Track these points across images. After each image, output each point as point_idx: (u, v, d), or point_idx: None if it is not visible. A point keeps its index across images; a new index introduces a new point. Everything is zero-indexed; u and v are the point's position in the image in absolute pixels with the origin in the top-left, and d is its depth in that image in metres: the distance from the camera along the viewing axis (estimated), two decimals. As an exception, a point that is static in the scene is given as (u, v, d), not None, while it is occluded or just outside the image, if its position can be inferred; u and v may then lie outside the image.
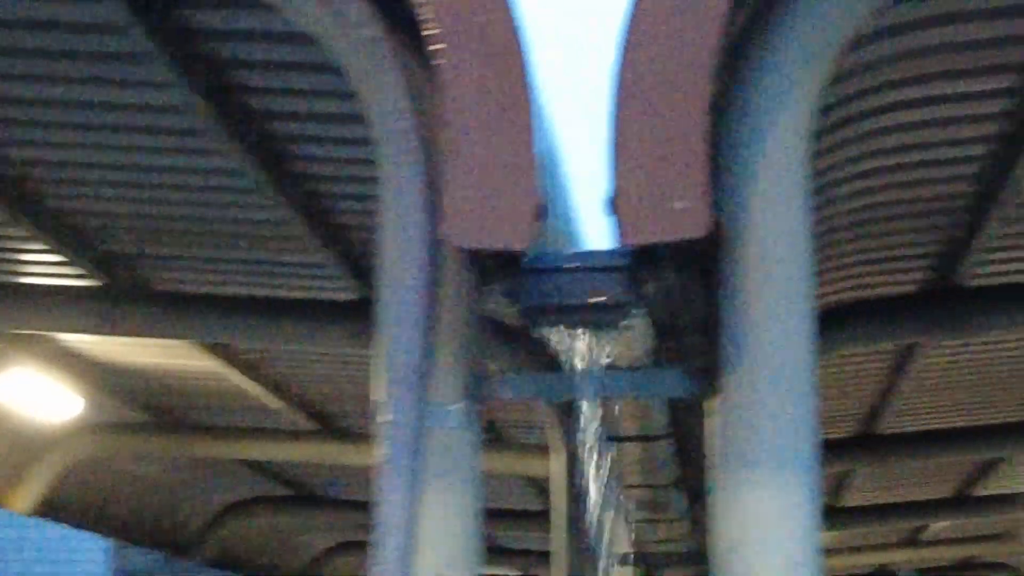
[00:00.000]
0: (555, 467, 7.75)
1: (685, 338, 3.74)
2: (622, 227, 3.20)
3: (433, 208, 3.32)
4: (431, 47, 3.23)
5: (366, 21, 3.40)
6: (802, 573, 3.35)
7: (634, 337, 3.77)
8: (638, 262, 3.37)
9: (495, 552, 16.34)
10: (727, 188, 3.36)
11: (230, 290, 7.71)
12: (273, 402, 9.92)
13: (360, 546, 16.73)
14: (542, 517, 13.04)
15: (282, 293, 7.70)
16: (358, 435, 10.78)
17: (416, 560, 3.30)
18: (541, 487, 12.54)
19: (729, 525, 3.39)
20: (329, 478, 13.28)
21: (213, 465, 12.33)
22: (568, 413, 7.30)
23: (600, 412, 4.38)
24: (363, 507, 14.18)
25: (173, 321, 7.76)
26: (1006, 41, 5.05)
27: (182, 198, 6.52)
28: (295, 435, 10.80)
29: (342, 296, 7.58)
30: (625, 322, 3.49)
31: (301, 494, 13.96)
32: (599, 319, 3.44)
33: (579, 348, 3.61)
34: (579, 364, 3.60)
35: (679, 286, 3.55)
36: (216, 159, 5.89)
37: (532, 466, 10.36)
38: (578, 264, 3.41)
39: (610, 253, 3.38)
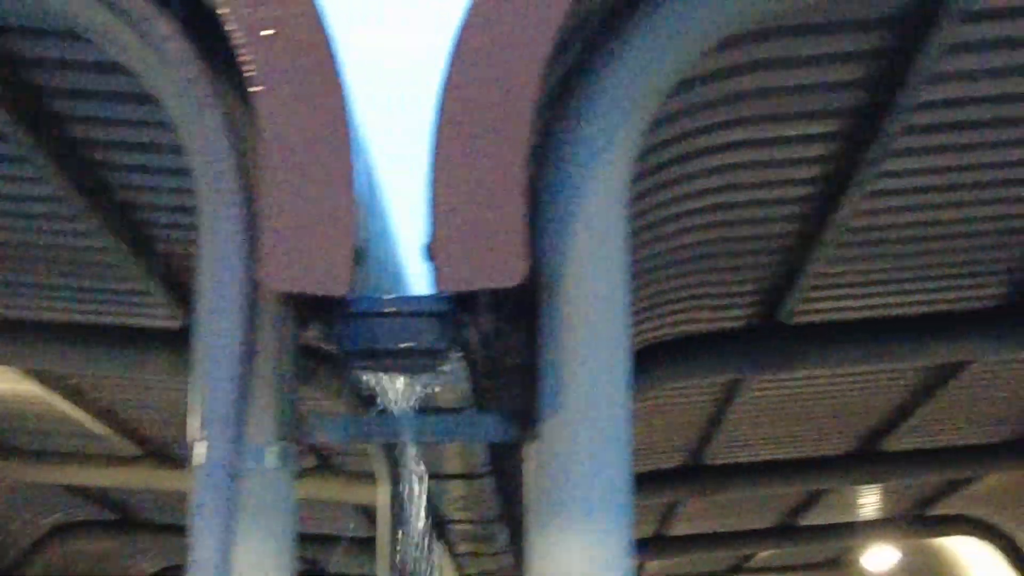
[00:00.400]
0: (381, 496, 7.75)
1: (503, 382, 3.74)
2: (439, 274, 3.19)
3: (251, 249, 3.29)
4: (251, 88, 3.20)
5: (186, 60, 3.36)
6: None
7: (453, 381, 3.76)
8: (456, 308, 3.37)
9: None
10: (545, 235, 3.37)
11: (53, 316, 7.61)
12: (98, 427, 9.86)
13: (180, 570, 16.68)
14: (371, 543, 13.15)
15: (106, 320, 7.62)
16: (183, 461, 10.73)
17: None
18: (369, 514, 12.58)
19: (544, 568, 3.39)
20: (155, 503, 13.20)
21: (38, 488, 12.21)
22: (393, 445, 7.32)
23: (422, 451, 4.39)
24: (184, 531, 14.19)
25: (-5, 346, 7.69)
26: (828, 87, 5.15)
27: (5, 223, 6.42)
28: (120, 460, 10.78)
29: (166, 324, 7.50)
30: (443, 367, 3.49)
31: (126, 518, 13.84)
32: (416, 364, 3.43)
33: (397, 392, 3.61)
34: (397, 407, 3.61)
35: (497, 331, 3.55)
36: (39, 186, 5.80)
37: (360, 494, 10.35)
38: (396, 309, 3.39)
39: (429, 299, 3.37)
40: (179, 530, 14.15)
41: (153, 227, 6.30)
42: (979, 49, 4.85)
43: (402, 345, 3.34)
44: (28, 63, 4.80)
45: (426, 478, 5.71)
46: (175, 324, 7.44)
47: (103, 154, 5.57)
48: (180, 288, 6.94)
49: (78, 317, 7.60)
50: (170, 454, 10.78)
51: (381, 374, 3.52)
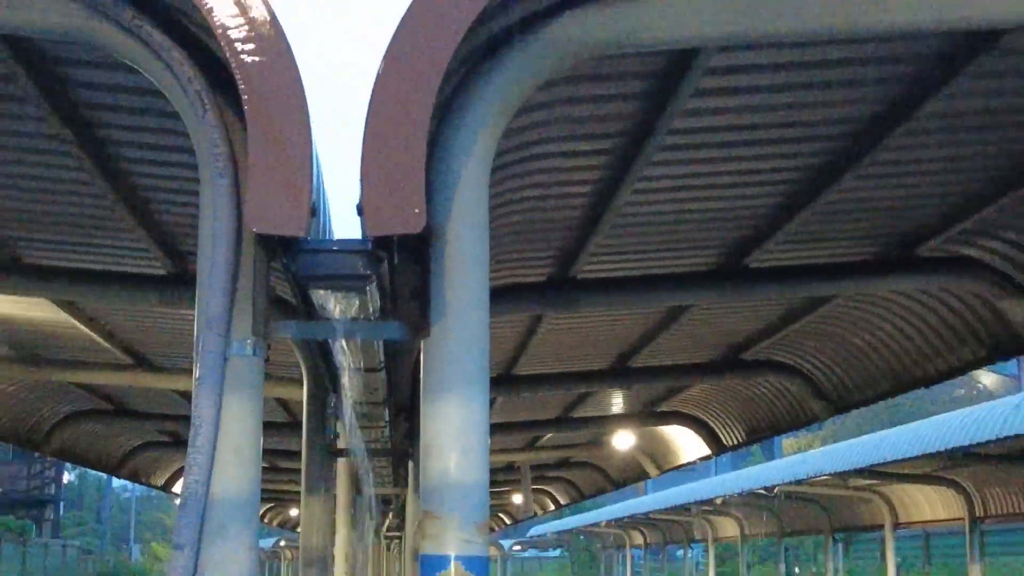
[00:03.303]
0: (306, 388, 7.71)
1: (401, 300, 3.70)
2: (366, 223, 3.18)
3: (238, 204, 3.27)
4: (242, 98, 3.15)
5: (193, 77, 3.31)
6: (476, 461, 3.32)
7: (368, 300, 3.73)
8: (376, 247, 3.36)
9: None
10: (435, 200, 3.36)
11: (76, 264, 7.44)
12: (103, 343, 9.68)
13: (158, 444, 16.35)
14: (286, 427, 13.03)
15: (112, 267, 7.45)
16: (162, 368, 10.60)
17: (218, 447, 3.24)
18: (285, 406, 12.47)
19: (428, 428, 3.36)
20: (140, 397, 12.99)
21: (58, 386, 12.01)
22: (312, 354, 7.22)
23: (346, 350, 4.41)
24: (160, 418, 14.04)
25: (34, 286, 7.50)
26: (604, 117, 5.15)
27: (42, 196, 6.23)
28: (117, 366, 10.58)
29: (155, 271, 7.35)
30: (366, 288, 3.48)
31: (119, 408, 13.62)
32: (349, 286, 3.42)
33: (334, 305, 3.59)
34: (335, 315, 3.59)
35: (400, 265, 3.53)
36: (66, 169, 5.63)
37: (282, 391, 10.30)
38: (336, 248, 3.38)
39: (358, 241, 3.36)
40: (155, 417, 13.95)
41: (150, 192, 6.11)
42: (714, 94, 4.90)
43: (339, 272, 3.34)
44: (58, 62, 4.60)
45: (346, 369, 5.78)
46: (162, 271, 7.31)
47: (117, 145, 5.42)
48: (169, 243, 6.83)
49: (93, 265, 7.42)
50: (153, 362, 10.58)
51: (325, 292, 3.51)
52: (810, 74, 4.77)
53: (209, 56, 3.33)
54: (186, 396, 11.28)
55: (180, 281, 7.22)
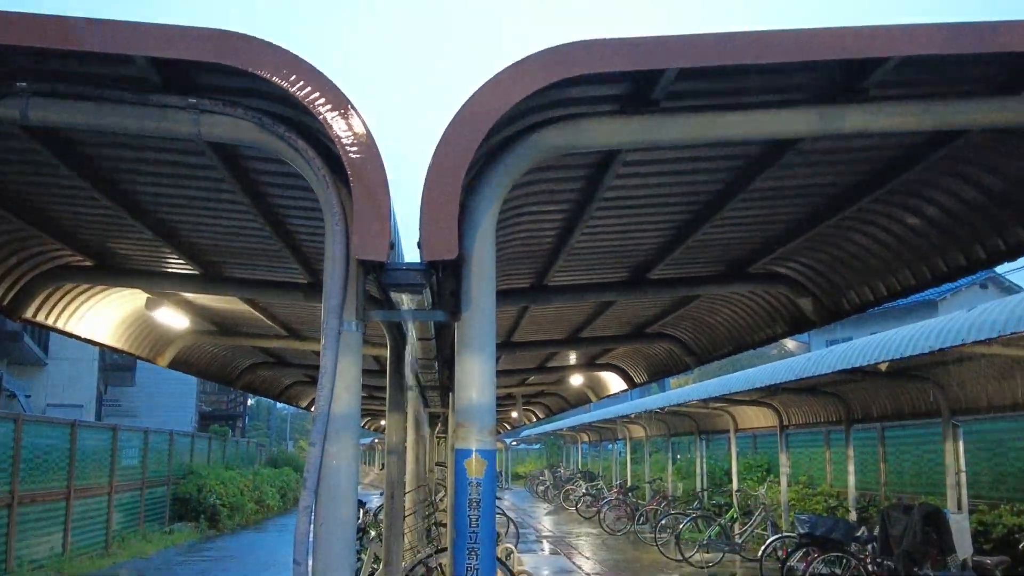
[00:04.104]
0: (389, 351, 7.59)
1: (443, 299, 3.64)
2: (423, 252, 3.13)
3: (347, 241, 3.22)
4: (349, 177, 3.11)
5: (320, 167, 3.27)
6: (487, 392, 3.28)
7: (424, 298, 3.68)
8: (429, 267, 3.32)
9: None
10: (465, 238, 3.32)
11: (254, 276, 7.20)
12: (270, 323, 9.40)
13: (302, 383, 16.00)
14: (377, 373, 12.83)
15: (277, 278, 7.23)
16: (305, 336, 10.32)
17: (335, 386, 3.18)
18: (377, 360, 12.29)
19: (460, 373, 3.33)
20: (291, 355, 12.54)
21: (243, 347, 11.68)
22: (392, 329, 7.11)
23: (411, 327, 4.34)
24: (303, 367, 13.75)
25: (230, 290, 7.30)
26: (560, 191, 5.03)
27: (216, 233, 6.04)
28: (278, 336, 10.22)
29: (301, 280, 7.21)
30: (423, 292, 3.43)
31: (279, 360, 13.07)
32: (413, 289, 3.38)
33: (404, 301, 3.55)
34: (405, 306, 3.54)
35: (444, 277, 3.49)
36: (235, 215, 5.43)
37: (375, 352, 10.08)
38: (406, 267, 3.33)
39: (419, 264, 3.31)
40: (300, 366, 13.65)
41: (297, 238, 6.02)
42: (627, 176, 4.83)
43: (408, 281, 3.30)
44: (242, 156, 4.44)
45: (412, 338, 5.72)
46: (304, 281, 7.19)
47: (278, 206, 5.31)
48: (308, 264, 6.72)
49: (266, 277, 7.26)
50: (300, 333, 10.24)
51: (399, 293, 3.46)
52: (681, 164, 4.73)
53: (330, 153, 3.29)
54: (318, 355, 11.14)
55: (315, 287, 7.12)
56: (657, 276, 7.27)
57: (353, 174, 3.06)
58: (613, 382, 14.94)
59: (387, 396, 7.86)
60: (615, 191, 5.00)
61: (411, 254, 3.59)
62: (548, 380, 17.34)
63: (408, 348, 6.78)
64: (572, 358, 13.89)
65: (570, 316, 9.73)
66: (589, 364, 14.13)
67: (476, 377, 3.24)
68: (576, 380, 15.38)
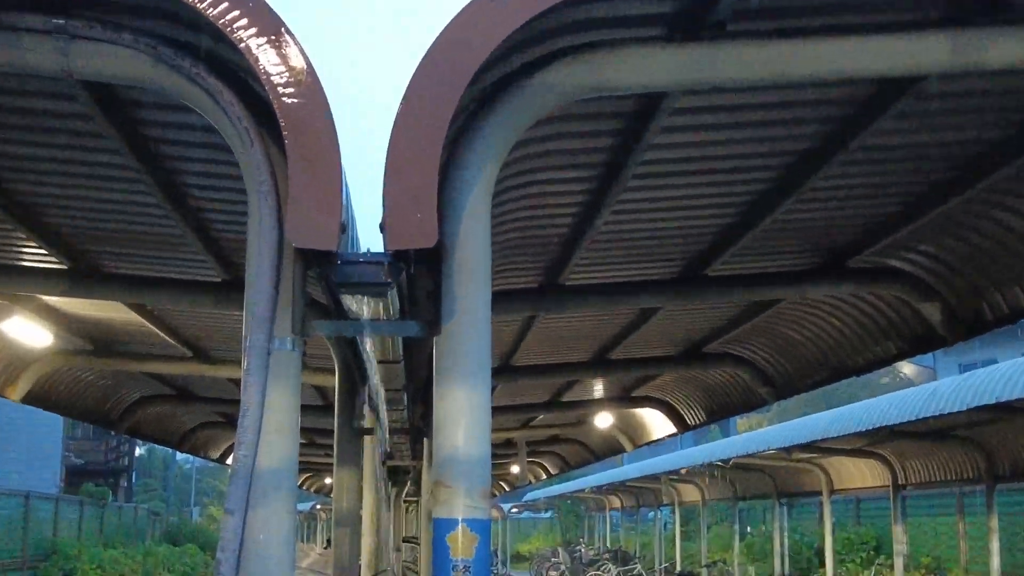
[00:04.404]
0: (338, 380, 7.63)
1: (417, 304, 3.66)
2: (387, 239, 3.15)
3: (280, 221, 3.23)
4: (283, 132, 3.12)
5: (242, 115, 3.28)
6: (480, 438, 3.31)
7: (389, 303, 3.70)
8: (396, 259, 3.32)
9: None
10: (446, 219, 3.33)
11: (147, 273, 7.36)
12: (168, 338, 9.58)
13: (214, 424, 16.24)
14: (321, 409, 12.94)
15: (177, 276, 7.37)
16: (217, 359, 10.54)
17: (263, 427, 3.20)
18: (321, 391, 12.39)
19: (440, 410, 3.34)
20: (198, 383, 12.89)
21: (132, 375, 11.92)
22: (343, 348, 7.16)
23: (371, 345, 4.36)
24: (216, 401, 13.97)
25: (111, 291, 7.44)
26: (585, 150, 5.08)
27: (117, 219, 6.17)
28: (180, 358, 10.44)
29: (211, 278, 7.27)
30: (387, 293, 3.44)
31: (181, 393, 13.49)
32: (373, 291, 3.39)
33: (361, 307, 3.56)
34: (362, 315, 3.55)
35: (417, 274, 3.50)
36: (140, 195, 5.58)
37: (318, 379, 10.21)
38: (363, 259, 3.34)
39: (381, 254, 3.33)
40: (211, 400, 13.82)
41: (207, 219, 6.06)
42: (678, 130, 4.84)
43: (366, 280, 3.30)
44: (130, 103, 4.53)
45: (371, 360, 5.72)
46: (217, 279, 7.25)
47: (180, 173, 5.35)
48: (221, 256, 6.75)
49: (160, 274, 7.36)
50: (209, 355, 10.49)
51: (354, 295, 3.47)
52: (753, 114, 4.75)
53: (255, 97, 3.30)
54: (237, 383, 11.24)
55: (232, 287, 7.15)
56: (719, 272, 7.28)
57: (288, 126, 3.07)
58: (656, 423, 14.97)
59: (335, 443, 7.86)
60: (659, 152, 5.01)
61: (371, 240, 3.60)
62: (563, 420, 17.37)
63: (367, 375, 6.79)
64: (598, 389, 14.01)
65: (595, 329, 9.79)
66: (622, 398, 14.24)
67: (463, 416, 3.25)
68: (603, 421, 15.42)
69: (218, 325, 9.10)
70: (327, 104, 3.11)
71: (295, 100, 3.11)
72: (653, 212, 6.11)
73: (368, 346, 5.08)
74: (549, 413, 15.63)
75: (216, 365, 10.45)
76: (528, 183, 5.28)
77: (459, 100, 3.17)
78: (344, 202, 3.13)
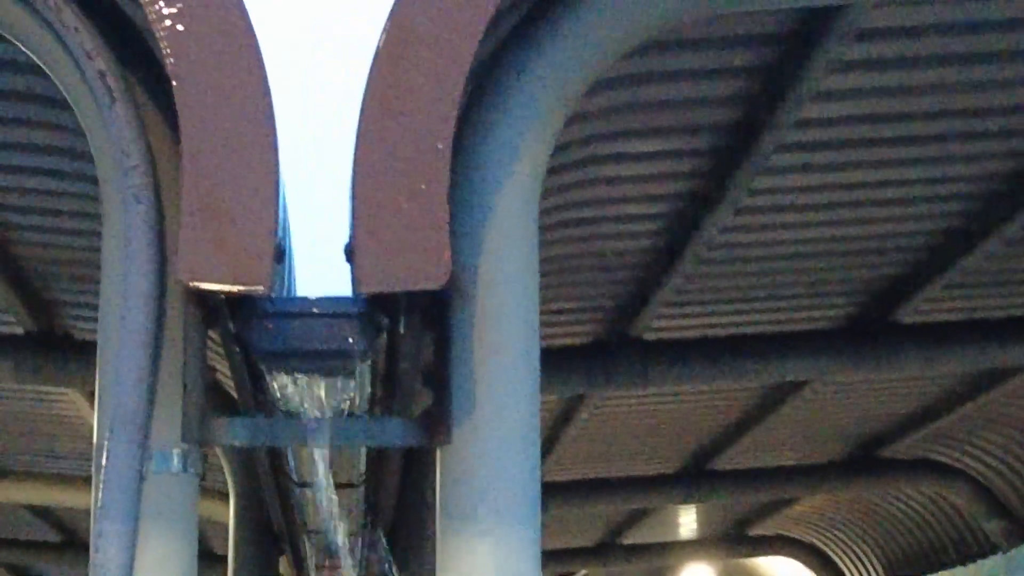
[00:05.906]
0: (233, 512, 7.62)
1: (405, 387, 3.69)
2: (359, 275, 3.13)
3: (160, 246, 3.23)
4: (172, 84, 3.11)
5: (95, 51, 3.27)
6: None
7: (357, 385, 3.71)
8: (372, 309, 3.32)
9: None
10: (464, 238, 3.33)
11: None
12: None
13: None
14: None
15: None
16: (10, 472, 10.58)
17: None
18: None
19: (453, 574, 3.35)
20: None
21: None
22: (245, 461, 7.20)
23: (319, 459, 4.35)
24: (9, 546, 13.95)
25: None
26: (701, 102, 5.16)
27: None
28: None
29: (11, 329, 7.28)
30: (355, 370, 3.45)
31: None
32: (332, 366, 3.38)
33: (314, 394, 3.54)
34: (314, 411, 3.54)
35: (407, 335, 3.51)
36: None
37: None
38: (316, 310, 3.34)
39: (347, 300, 3.33)
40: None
41: (14, 222, 6.08)
42: (863, 68, 4.90)
43: (319, 346, 3.30)
44: None
45: (319, 482, 5.67)
46: (19, 329, 7.25)
47: None
48: (27, 291, 6.75)
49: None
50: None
51: (296, 375, 3.46)
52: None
53: (120, 20, 3.32)
54: (46, 516, 11.22)
55: (46, 345, 7.22)
56: (916, 319, 7.44)
57: (181, 71, 3.07)
58: (791, 583, 14.99)
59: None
60: (826, 108, 5.11)
61: (320, 280, 3.61)
62: (628, 571, 17.27)
63: (294, 507, 6.71)
64: (688, 522, 14.24)
65: (686, 419, 9.92)
66: (733, 537, 14.46)
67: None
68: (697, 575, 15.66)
69: (18, 410, 9.11)
70: (255, 36, 3.10)
71: (193, 24, 3.11)
72: (804, 212, 6.22)
73: (317, 461, 5.02)
74: (600, 566, 15.67)
75: (48, 488, 10.50)
76: (588, 160, 5.37)
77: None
78: (279, 210, 3.14)
